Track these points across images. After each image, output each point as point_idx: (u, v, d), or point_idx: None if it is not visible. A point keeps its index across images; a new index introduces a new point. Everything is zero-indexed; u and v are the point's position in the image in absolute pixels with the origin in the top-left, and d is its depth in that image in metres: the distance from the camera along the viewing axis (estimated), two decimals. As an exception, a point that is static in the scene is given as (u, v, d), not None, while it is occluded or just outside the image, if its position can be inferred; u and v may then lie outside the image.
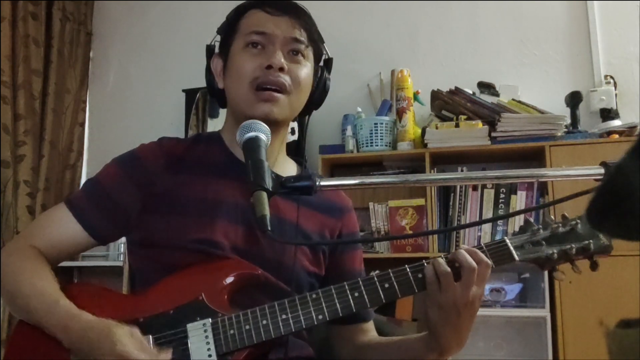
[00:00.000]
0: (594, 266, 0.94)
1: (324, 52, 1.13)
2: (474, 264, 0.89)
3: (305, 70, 1.06)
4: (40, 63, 2.95)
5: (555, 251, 0.93)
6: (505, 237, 0.95)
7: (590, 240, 0.93)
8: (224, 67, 1.09)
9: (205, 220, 1.00)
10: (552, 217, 0.98)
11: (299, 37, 1.05)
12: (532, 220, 0.98)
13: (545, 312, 2.22)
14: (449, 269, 0.89)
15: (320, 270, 1.09)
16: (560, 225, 0.95)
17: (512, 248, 0.94)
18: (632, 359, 1.69)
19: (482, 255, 0.91)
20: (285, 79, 1.02)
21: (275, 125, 1.03)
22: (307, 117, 1.16)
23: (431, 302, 0.92)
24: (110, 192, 1.04)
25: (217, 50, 1.11)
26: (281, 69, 1.01)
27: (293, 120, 1.19)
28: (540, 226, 0.96)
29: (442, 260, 0.91)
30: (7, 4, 2.81)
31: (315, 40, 1.09)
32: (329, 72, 1.14)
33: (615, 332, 1.85)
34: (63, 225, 1.03)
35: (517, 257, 0.93)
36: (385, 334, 1.15)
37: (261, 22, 1.04)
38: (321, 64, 1.13)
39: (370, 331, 1.14)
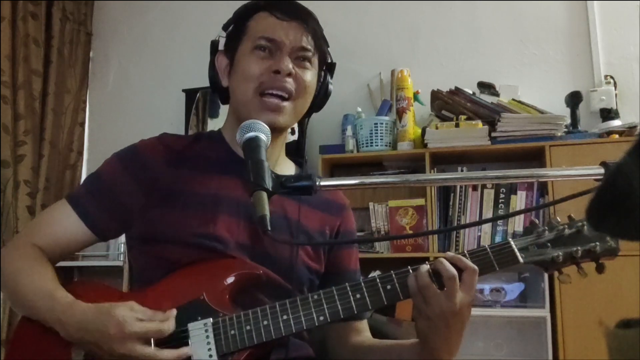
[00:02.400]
0: (600, 269, 0.92)
1: (328, 56, 1.14)
2: (453, 272, 0.87)
3: (310, 75, 1.07)
4: (40, 63, 2.95)
5: (560, 253, 0.91)
6: (510, 239, 0.94)
7: (597, 243, 0.91)
8: (230, 67, 1.09)
9: (207, 215, 1.00)
10: (558, 218, 0.96)
11: (307, 46, 1.05)
12: (535, 220, 0.97)
13: (545, 312, 2.21)
14: (428, 281, 0.88)
15: (320, 267, 1.09)
16: (566, 227, 0.93)
17: (516, 250, 0.92)
18: (632, 359, 1.69)
19: (467, 262, 0.89)
20: (292, 84, 1.03)
21: (278, 131, 1.05)
22: (307, 119, 1.16)
23: (418, 312, 0.91)
24: (111, 187, 1.04)
25: (221, 47, 1.11)
26: (289, 75, 1.02)
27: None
28: (546, 228, 0.94)
29: (424, 271, 0.89)
30: (7, 4, 2.81)
31: (322, 47, 1.09)
32: (332, 76, 1.14)
33: (615, 332, 1.85)
34: (65, 222, 1.04)
35: (521, 260, 0.92)
36: (385, 334, 1.15)
37: (270, 28, 1.04)
38: (324, 67, 1.13)
39: (364, 331, 1.14)
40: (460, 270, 0.89)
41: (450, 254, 0.91)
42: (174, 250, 0.98)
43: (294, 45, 1.04)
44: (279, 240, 0.97)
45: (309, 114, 1.14)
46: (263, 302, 0.93)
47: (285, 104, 1.03)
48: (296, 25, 1.05)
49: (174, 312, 0.90)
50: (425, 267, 0.90)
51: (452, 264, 0.89)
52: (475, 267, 0.89)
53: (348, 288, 0.92)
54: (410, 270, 0.92)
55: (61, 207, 1.05)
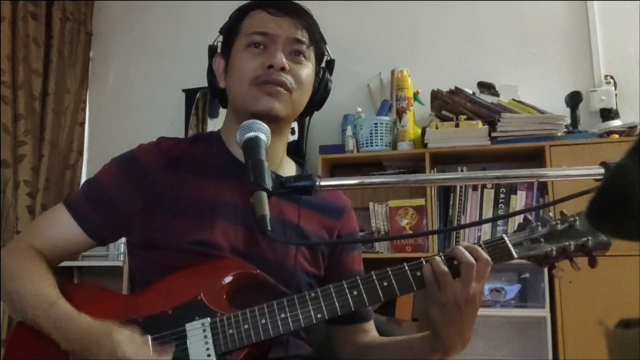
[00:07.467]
0: (592, 262, 0.94)
1: (326, 53, 1.13)
2: (472, 260, 0.89)
3: (307, 70, 1.06)
4: (40, 63, 2.95)
5: (553, 248, 0.93)
6: (504, 235, 0.95)
7: (589, 237, 0.92)
8: (226, 67, 1.09)
9: (204, 222, 1.00)
10: (551, 214, 0.97)
11: (301, 38, 1.04)
12: (528, 217, 0.98)
13: (545, 312, 2.21)
14: (446, 269, 0.89)
15: (319, 271, 1.09)
16: (559, 222, 0.95)
17: (510, 245, 0.93)
18: (632, 359, 1.69)
19: (482, 252, 0.91)
20: (287, 78, 1.02)
21: (277, 122, 1.03)
22: (308, 118, 1.16)
23: (432, 301, 0.92)
24: (109, 192, 1.04)
25: (219, 50, 1.11)
26: (282, 69, 1.01)
27: (294, 120, 1.18)
28: (539, 223, 0.96)
29: (439, 259, 0.91)
30: (7, 4, 2.81)
31: (317, 41, 1.09)
32: (331, 74, 1.14)
33: (615, 332, 1.85)
34: (62, 226, 1.03)
35: (515, 255, 0.93)
36: (385, 334, 1.15)
37: (263, 23, 1.04)
38: (323, 65, 1.13)
39: (371, 331, 1.14)
40: (475, 260, 0.90)
41: (464, 243, 0.92)
42: (171, 257, 0.98)
43: (288, 36, 1.03)
44: (278, 240, 0.97)
45: (309, 112, 1.13)
46: (261, 302, 0.92)
47: (283, 90, 1.02)
48: (289, 20, 1.04)
49: (171, 354, 0.88)
50: (439, 257, 0.91)
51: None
52: (489, 259, 0.91)
53: (345, 285, 0.92)
54: (406, 267, 0.92)
55: (59, 211, 1.05)
